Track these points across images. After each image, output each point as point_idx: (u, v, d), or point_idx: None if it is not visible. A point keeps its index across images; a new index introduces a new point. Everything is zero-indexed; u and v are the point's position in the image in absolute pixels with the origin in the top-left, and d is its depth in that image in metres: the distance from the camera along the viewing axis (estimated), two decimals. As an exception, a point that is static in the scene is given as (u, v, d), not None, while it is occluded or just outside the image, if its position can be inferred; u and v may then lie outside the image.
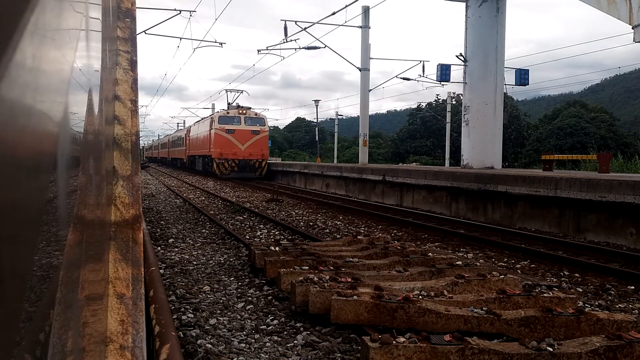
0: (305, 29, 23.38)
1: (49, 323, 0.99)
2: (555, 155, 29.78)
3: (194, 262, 7.89)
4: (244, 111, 31.47)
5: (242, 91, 36.15)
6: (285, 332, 4.85)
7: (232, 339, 4.66)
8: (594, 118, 50.81)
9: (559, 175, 12.94)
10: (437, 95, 60.85)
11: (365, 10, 24.76)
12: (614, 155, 27.84)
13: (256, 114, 31.93)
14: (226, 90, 35.88)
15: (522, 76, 21.12)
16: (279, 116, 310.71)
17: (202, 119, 39.84)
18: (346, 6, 21.14)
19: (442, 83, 26.34)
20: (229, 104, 34.47)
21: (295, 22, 23.62)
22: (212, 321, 5.11)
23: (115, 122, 2.44)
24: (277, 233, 10.89)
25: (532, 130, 55.37)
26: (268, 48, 26.04)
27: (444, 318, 4.60)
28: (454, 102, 47.16)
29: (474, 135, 18.48)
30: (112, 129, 2.38)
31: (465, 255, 8.64)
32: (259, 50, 26.31)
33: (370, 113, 28.52)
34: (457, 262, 6.62)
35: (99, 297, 1.70)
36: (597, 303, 6.06)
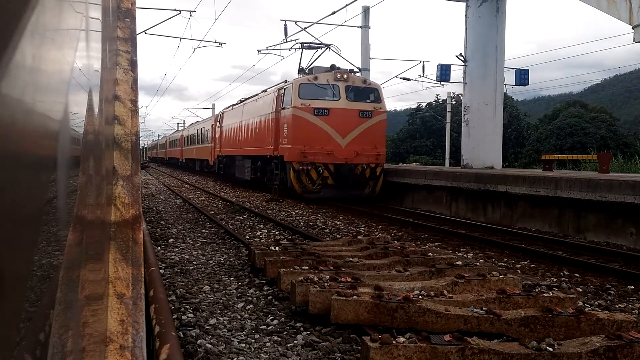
0: (305, 28, 23.37)
1: (49, 323, 0.99)
2: (555, 155, 29.76)
3: (194, 262, 7.89)
4: (344, 75, 17.37)
5: (327, 46, 19.61)
6: (285, 332, 4.85)
7: (232, 339, 4.66)
8: (594, 118, 50.78)
9: (559, 175, 12.94)
10: (437, 95, 60.86)
11: (365, 10, 24.78)
12: (614, 155, 27.85)
13: (365, 81, 18.29)
14: (302, 44, 20.13)
15: (522, 76, 21.15)
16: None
17: (246, 98, 24.67)
18: (346, 5, 21.12)
19: (442, 83, 26.35)
20: (302, 68, 19.26)
21: (295, 22, 23.59)
22: (212, 321, 5.11)
23: (115, 122, 2.44)
24: (277, 233, 10.88)
25: (532, 130, 55.37)
26: (268, 48, 26.04)
27: (444, 318, 4.60)
28: (453, 102, 47.14)
29: (474, 135, 18.49)
30: (112, 129, 2.38)
31: (465, 255, 8.64)
32: (259, 50, 26.27)
33: (370, 113, 28.46)
34: (457, 262, 6.62)
35: (99, 297, 1.70)
36: (597, 303, 6.06)
